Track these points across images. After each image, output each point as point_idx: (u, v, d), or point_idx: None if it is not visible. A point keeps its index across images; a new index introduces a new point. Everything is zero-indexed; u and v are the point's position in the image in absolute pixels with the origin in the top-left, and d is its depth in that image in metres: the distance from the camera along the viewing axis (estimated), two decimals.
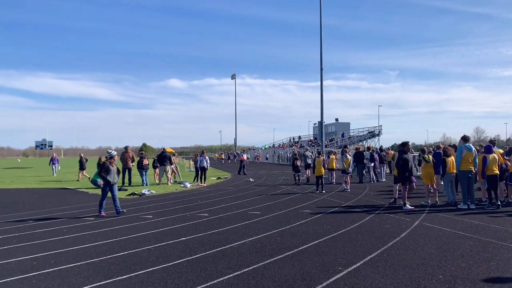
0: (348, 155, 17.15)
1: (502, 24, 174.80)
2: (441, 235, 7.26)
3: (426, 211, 10.05)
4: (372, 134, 50.07)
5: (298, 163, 19.05)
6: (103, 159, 29.64)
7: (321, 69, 34.44)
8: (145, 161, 19.72)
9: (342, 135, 51.19)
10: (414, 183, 10.75)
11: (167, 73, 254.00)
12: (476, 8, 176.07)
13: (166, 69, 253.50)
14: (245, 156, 28.95)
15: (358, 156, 19.82)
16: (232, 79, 72.68)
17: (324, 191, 15.02)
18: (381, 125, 51.53)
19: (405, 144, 10.93)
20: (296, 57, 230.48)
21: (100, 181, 10.07)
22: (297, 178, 18.78)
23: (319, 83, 34.67)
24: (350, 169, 16.72)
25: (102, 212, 10.30)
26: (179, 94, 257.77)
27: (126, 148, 19.59)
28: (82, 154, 24.65)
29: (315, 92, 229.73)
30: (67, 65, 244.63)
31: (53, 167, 29.30)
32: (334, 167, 18.52)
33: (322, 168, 15.63)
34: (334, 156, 18.39)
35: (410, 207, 10.53)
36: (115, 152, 10.71)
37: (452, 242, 6.70)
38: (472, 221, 8.58)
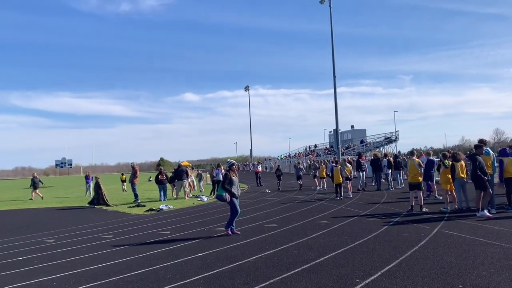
0: (348, 164, 17.57)
1: None
2: (460, 242, 7.14)
3: (445, 218, 9.88)
4: (389, 140, 49.54)
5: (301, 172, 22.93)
6: (124, 177, 30.23)
7: (334, 77, 34.47)
8: (162, 176, 19.83)
9: (361, 142, 50.53)
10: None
11: (181, 88, 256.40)
12: (489, 9, 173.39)
13: (180, 84, 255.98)
14: (260, 168, 28.90)
15: (375, 163, 19.61)
16: (245, 90, 73.50)
17: (342, 198, 15.68)
18: (397, 131, 51.19)
19: (481, 146, 10.25)
20: (309, 65, 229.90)
21: (226, 195, 8.97)
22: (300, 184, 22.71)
23: (333, 90, 34.71)
24: (351, 176, 17.43)
25: (229, 230, 9.16)
26: (194, 108, 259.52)
27: (132, 165, 19.68)
28: (35, 173, 26.21)
29: (329, 99, 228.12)
30: (84, 84, 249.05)
31: (87, 186, 27.24)
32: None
33: (340, 176, 16.14)
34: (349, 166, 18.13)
35: (488, 214, 9.76)
36: (234, 161, 9.74)
37: (473, 249, 6.58)
38: (493, 227, 8.41)
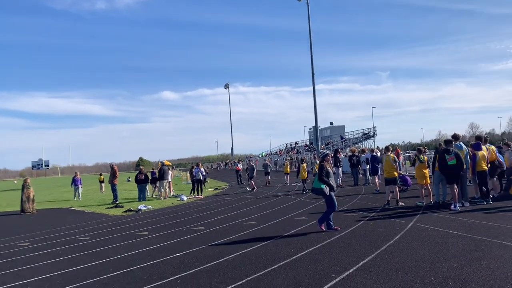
0: (317, 161, 17.87)
1: (489, 20, 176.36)
2: (434, 235, 7.31)
3: (420, 212, 10.10)
4: (367, 136, 50.23)
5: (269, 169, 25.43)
6: (102, 178, 29.58)
7: (313, 74, 34.72)
8: (141, 176, 19.65)
9: (341, 138, 51.04)
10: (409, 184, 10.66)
11: (159, 86, 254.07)
12: (462, 5, 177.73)
13: (158, 82, 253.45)
14: (240, 166, 29.34)
15: (353, 158, 19.95)
16: (225, 88, 73.36)
17: (308, 190, 16.92)
18: (375, 126, 51.83)
19: (450, 141, 10.61)
20: (288, 63, 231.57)
21: (326, 188, 8.33)
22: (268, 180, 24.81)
23: (312, 88, 34.94)
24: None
25: (322, 226, 8.48)
26: (173, 106, 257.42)
27: (111, 165, 19.44)
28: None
29: (308, 97, 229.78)
30: (60, 84, 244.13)
31: (75, 188, 23.82)
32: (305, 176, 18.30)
33: (305, 173, 17.67)
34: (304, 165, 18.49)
35: (458, 208, 9.91)
36: (328, 151, 9.20)
37: (445, 242, 6.75)
38: (465, 219, 8.64)
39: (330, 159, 8.39)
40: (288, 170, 24.74)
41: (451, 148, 10.49)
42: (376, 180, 16.35)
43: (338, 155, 20.73)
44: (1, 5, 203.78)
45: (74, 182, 24.02)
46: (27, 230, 11.99)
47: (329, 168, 8.51)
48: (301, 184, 18.88)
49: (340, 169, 20.14)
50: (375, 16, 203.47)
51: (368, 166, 20.05)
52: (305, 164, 18.24)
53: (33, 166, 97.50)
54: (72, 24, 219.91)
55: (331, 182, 8.38)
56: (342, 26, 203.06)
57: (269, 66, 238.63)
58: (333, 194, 8.49)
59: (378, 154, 18.67)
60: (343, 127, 60.71)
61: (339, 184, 18.98)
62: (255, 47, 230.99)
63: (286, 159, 25.20)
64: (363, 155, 20.48)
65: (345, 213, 10.79)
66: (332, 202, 8.39)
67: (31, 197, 17.34)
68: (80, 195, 23.55)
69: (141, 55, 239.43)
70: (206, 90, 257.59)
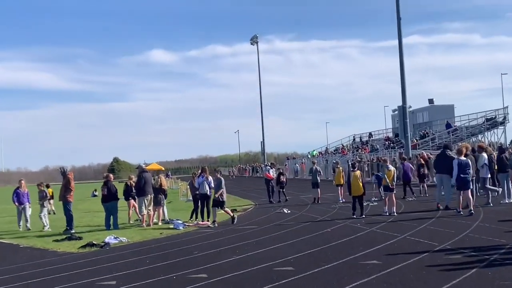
0: (390, 166, 19.44)
1: None
2: None
3: None
4: (493, 123, 48.73)
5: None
6: (50, 191, 29.52)
7: (399, 19, 33.74)
8: (103, 190, 19.79)
9: (447, 126, 49.56)
10: None
11: (145, 42, 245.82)
12: None
13: (143, 36, 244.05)
14: (272, 173, 28.82)
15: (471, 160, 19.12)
16: (252, 44, 72.07)
17: (364, 216, 17.79)
18: (506, 107, 50.10)
19: None
20: (356, 1, 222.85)
21: None
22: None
23: (397, 41, 33.98)
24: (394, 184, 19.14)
25: None
26: (167, 75, 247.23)
27: (63, 171, 19.48)
28: None
29: (391, 56, 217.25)
30: None
31: (20, 209, 21.54)
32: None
33: (360, 184, 18.06)
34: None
35: None
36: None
37: None
38: None
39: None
40: (342, 180, 25.33)
41: None
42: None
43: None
44: None
45: (18, 197, 21.54)
46: None
47: None
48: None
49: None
50: None
51: (489, 175, 19.45)
52: (341, 168, 19.75)
53: None
54: None
55: None
56: None
57: (326, 6, 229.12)
58: None
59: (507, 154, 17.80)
60: (450, 108, 58.71)
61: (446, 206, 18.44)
62: None
63: (336, 164, 26.50)
64: (482, 155, 19.60)
65: (449, 255, 10.53)
66: None
67: None
68: (29, 221, 21.53)
69: None
70: (220, 47, 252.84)
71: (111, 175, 21.32)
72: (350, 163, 30.14)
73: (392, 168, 19.65)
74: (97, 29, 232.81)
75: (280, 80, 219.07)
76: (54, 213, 28.26)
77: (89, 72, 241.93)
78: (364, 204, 19.13)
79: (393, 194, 18.67)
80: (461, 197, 16.53)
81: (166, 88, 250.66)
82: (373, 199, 23.52)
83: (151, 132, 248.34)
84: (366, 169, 40.13)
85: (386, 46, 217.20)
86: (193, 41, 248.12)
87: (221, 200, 19.24)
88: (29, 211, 21.59)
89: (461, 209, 16.48)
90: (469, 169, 16.79)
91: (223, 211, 19.52)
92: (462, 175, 16.52)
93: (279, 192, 28.20)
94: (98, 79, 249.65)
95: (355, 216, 17.83)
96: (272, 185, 28.36)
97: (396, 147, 45.89)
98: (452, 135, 47.43)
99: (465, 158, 17.17)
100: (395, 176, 19.95)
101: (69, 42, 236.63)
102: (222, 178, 20.25)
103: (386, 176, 18.80)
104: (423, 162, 25.99)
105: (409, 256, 10.41)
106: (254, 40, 69.86)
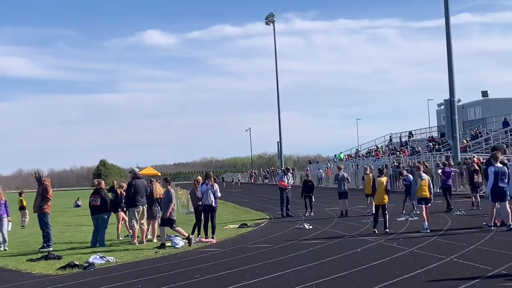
0: (424, 174, 18.03)
1: None
2: None
3: None
4: None
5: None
6: (23, 199, 27.27)
7: None
8: (96, 200, 18.40)
9: (505, 124, 46.46)
10: None
11: (138, 21, 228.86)
12: None
13: (135, 14, 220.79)
14: (286, 180, 27.25)
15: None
16: (267, 24, 69.96)
17: (387, 231, 16.97)
18: None
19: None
20: None
21: None
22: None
23: (444, 19, 32.11)
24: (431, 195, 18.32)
25: None
26: (164, 60, 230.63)
27: (38, 176, 17.86)
28: None
29: (434, 38, 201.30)
30: None
31: None
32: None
33: (385, 192, 17.68)
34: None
35: None
36: None
37: None
38: None
39: None
40: (371, 188, 23.33)
41: None
42: None
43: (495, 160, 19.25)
44: None
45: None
46: None
47: None
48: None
49: None
50: None
51: None
52: (371, 175, 18.74)
53: None
54: None
55: None
56: None
57: None
58: None
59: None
60: (509, 102, 55.81)
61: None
62: None
63: (365, 170, 23.68)
64: None
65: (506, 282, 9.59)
66: None
67: None
68: (7, 239, 19.62)
69: None
70: (229, 27, 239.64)
71: (103, 182, 20.14)
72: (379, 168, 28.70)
73: (426, 177, 18.17)
74: (81, 6, 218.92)
75: (301, 68, 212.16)
76: (23, 227, 26.12)
77: (71, 57, 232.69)
78: (403, 219, 19.28)
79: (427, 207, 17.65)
80: (495, 209, 16.26)
81: (163, 76, 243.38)
82: (413, 212, 22.22)
83: (145, 130, 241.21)
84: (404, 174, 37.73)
85: (430, 26, 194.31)
86: (195, 20, 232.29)
87: (171, 218, 17.56)
88: (8, 226, 19.59)
89: (492, 223, 16.22)
90: (505, 178, 16.40)
91: (177, 231, 17.84)
92: (500, 185, 16.16)
93: (305, 203, 26.51)
94: (82, 65, 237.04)
95: (376, 231, 17.12)
96: (286, 195, 26.72)
97: (442, 150, 43.93)
98: (511, 135, 44.50)
99: (502, 165, 16.81)
100: (431, 186, 18.57)
101: (48, 21, 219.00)
102: (173, 190, 19.09)
103: (420, 186, 17.56)
104: (477, 167, 23.37)
105: (457, 283, 9.59)
106: (269, 19, 66.62)
